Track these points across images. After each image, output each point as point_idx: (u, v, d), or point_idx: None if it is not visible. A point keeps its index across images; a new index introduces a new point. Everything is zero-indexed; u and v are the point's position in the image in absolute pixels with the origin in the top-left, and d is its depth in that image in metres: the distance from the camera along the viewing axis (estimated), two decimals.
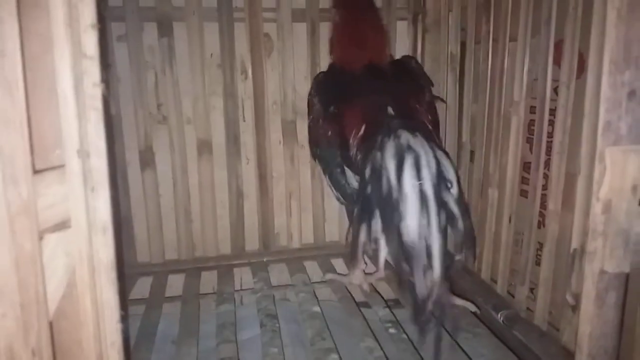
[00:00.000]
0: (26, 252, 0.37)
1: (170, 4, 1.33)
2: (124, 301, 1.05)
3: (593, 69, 0.85)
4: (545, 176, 1.04)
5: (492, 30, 1.21)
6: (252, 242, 1.48)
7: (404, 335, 1.03)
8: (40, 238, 0.39)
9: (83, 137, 0.41)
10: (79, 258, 0.44)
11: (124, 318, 0.51)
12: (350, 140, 1.08)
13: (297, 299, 1.21)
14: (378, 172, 0.90)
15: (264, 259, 1.43)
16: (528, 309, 1.09)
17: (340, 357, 0.95)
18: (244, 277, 1.37)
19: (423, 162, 0.87)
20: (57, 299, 0.44)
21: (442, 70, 1.43)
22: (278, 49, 1.41)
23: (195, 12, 1.33)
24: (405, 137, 0.91)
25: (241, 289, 1.29)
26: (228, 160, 1.43)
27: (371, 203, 0.91)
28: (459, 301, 1.14)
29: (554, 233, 1.00)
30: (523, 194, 1.13)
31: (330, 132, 1.14)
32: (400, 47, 1.47)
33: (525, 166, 1.12)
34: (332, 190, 1.19)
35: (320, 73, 1.30)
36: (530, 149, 1.10)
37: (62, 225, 0.42)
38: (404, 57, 1.32)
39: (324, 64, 1.39)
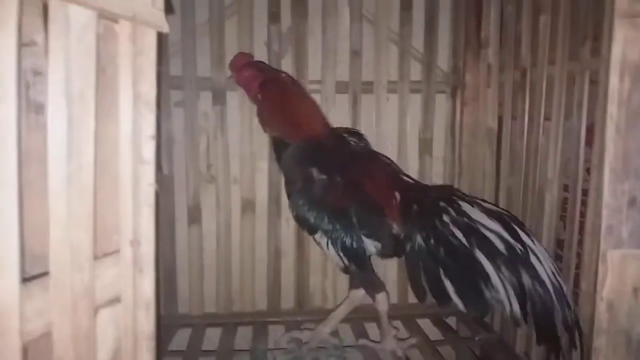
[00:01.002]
0: (84, 327, 0.43)
1: (224, 75, 1.45)
2: None
3: None
4: (579, 255, 1.04)
5: (527, 108, 1.25)
6: (287, 301, 1.53)
7: None
8: (95, 313, 0.46)
9: (136, 228, 0.48)
10: (125, 329, 0.50)
11: None
12: (384, 209, 1.13)
13: None
14: (480, 236, 0.99)
15: (298, 318, 1.46)
16: None
17: None
18: (278, 335, 1.40)
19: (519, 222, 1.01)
20: None
21: (480, 143, 1.47)
22: None
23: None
24: (484, 204, 1.05)
25: (274, 348, 1.32)
26: (269, 220, 1.51)
27: (479, 263, 0.98)
28: None
29: (585, 315, 0.99)
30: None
31: (341, 202, 1.14)
32: (439, 120, 1.52)
33: (559, 243, 1.13)
34: (342, 259, 1.17)
35: (291, 145, 1.23)
36: (564, 227, 1.10)
37: (114, 302, 0.48)
38: (344, 128, 1.35)
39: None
